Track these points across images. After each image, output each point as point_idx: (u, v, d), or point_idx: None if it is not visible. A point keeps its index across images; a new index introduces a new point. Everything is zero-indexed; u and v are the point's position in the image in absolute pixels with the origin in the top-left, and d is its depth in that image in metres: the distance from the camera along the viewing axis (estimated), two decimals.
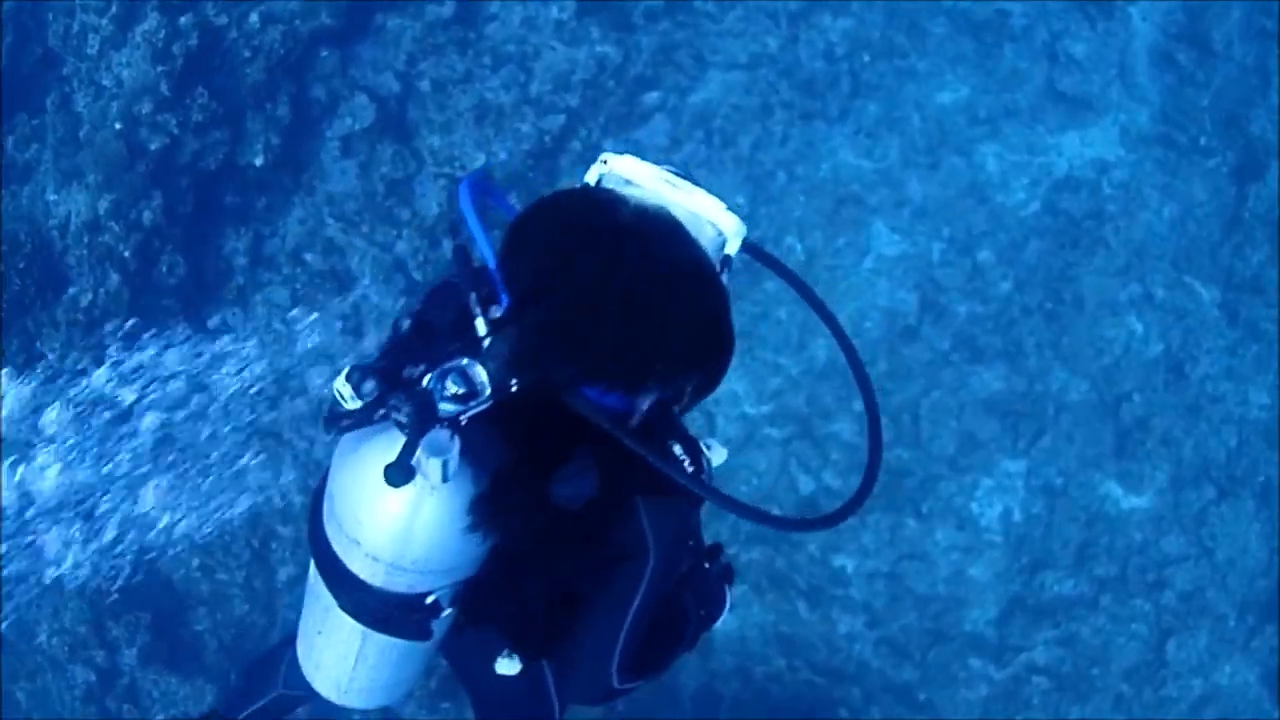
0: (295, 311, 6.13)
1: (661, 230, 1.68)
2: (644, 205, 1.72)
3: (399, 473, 1.60)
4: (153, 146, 5.78)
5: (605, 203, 1.71)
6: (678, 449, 1.93)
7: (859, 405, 6.60)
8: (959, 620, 6.49)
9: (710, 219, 1.82)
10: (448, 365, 1.61)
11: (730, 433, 6.83)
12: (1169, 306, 6.54)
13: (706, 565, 2.35)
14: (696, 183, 1.90)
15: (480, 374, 1.61)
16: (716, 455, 2.12)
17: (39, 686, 6.42)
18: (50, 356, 5.82)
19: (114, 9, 5.85)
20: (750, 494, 6.74)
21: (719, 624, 2.46)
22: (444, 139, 6.33)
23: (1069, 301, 6.67)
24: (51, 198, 6.08)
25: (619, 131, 6.76)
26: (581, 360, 1.65)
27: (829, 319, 2.25)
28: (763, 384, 6.90)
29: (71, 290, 5.83)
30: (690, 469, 1.91)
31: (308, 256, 6.23)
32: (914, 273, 6.90)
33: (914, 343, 6.80)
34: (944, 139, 7.03)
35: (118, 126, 5.71)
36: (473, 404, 1.62)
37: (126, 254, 5.81)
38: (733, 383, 6.97)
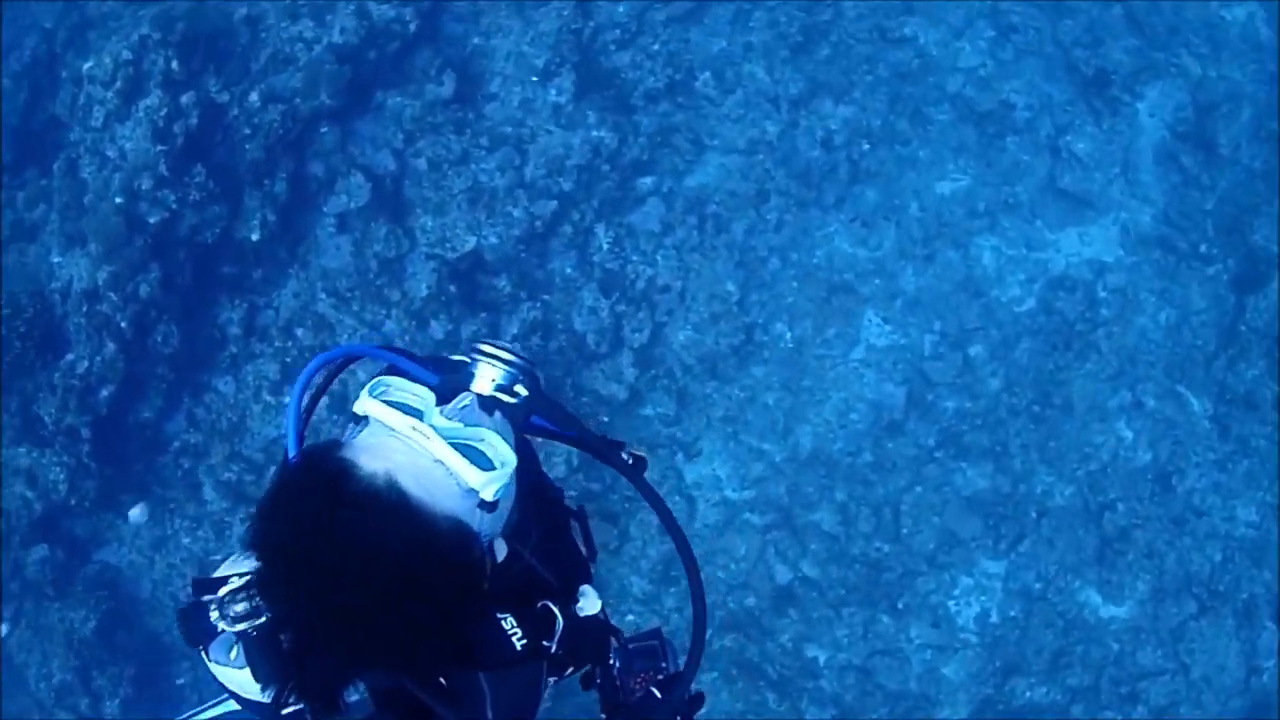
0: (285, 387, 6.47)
1: (385, 514, 1.69)
2: (370, 488, 1.70)
3: None
4: (152, 220, 6.15)
5: (330, 496, 1.70)
6: (509, 621, 2.00)
7: (841, 495, 6.91)
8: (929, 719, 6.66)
9: (457, 471, 1.79)
10: None
11: (710, 517, 7.06)
12: (1159, 416, 6.67)
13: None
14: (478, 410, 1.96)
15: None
16: (589, 604, 2.23)
17: None
18: (47, 420, 6.23)
19: (118, 83, 6.23)
20: (727, 580, 6.97)
21: None
22: (437, 220, 6.64)
23: (1058, 404, 6.82)
24: (56, 260, 6.49)
25: (612, 215, 7.03)
26: (353, 662, 1.76)
27: (655, 502, 2.40)
28: (746, 469, 7.13)
29: (69, 356, 6.22)
30: (523, 642, 1.99)
31: (299, 331, 6.57)
32: (903, 365, 7.09)
33: (899, 437, 6.99)
34: (941, 230, 7.22)
35: (118, 200, 6.09)
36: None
37: (123, 324, 6.18)
38: (715, 466, 7.21)
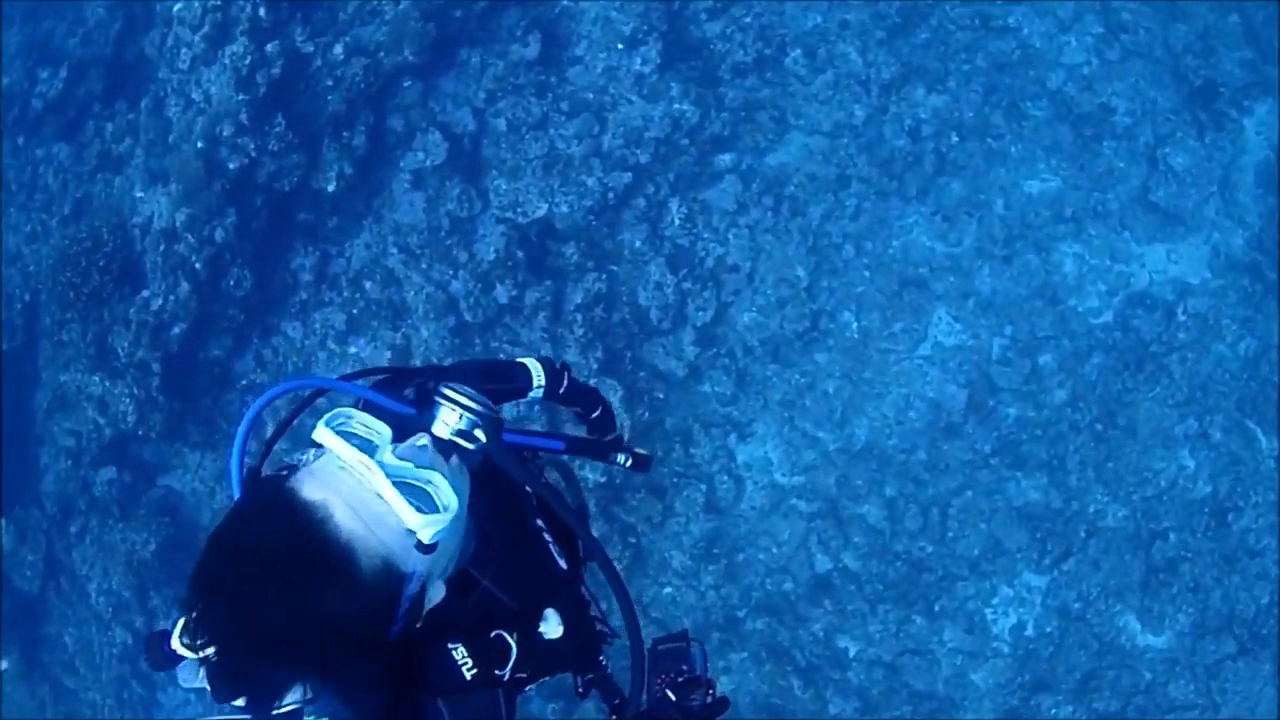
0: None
1: (310, 542, 1.76)
2: (304, 519, 1.78)
3: None
4: (231, 166, 6.31)
5: (266, 519, 1.78)
6: (460, 651, 2.08)
7: (891, 491, 6.97)
8: None
9: (396, 510, 1.85)
10: None
11: (757, 499, 7.17)
12: (1224, 449, 6.57)
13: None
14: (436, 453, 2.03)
15: None
16: (550, 628, 2.26)
17: (84, 636, 7.31)
18: (120, 352, 6.51)
19: (206, 28, 6.34)
20: (767, 563, 7.11)
21: None
22: (510, 184, 6.70)
23: (1122, 425, 6.75)
24: (139, 194, 6.71)
25: (687, 191, 7.02)
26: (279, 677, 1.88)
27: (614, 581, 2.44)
28: (797, 455, 7.20)
29: (145, 293, 6.47)
30: (473, 672, 2.08)
31: (367, 284, 6.73)
32: (969, 367, 7.04)
33: (956, 439, 6.99)
34: (1025, 231, 7.08)
35: (199, 145, 6.25)
36: None
37: (198, 265, 6.40)
38: (768, 449, 7.29)
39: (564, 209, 6.74)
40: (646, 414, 6.93)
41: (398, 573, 1.80)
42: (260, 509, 1.76)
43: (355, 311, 6.74)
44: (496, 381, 2.71)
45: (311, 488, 1.76)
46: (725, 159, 7.09)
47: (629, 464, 2.86)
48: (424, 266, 6.69)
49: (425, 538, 1.82)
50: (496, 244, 6.64)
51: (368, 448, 1.85)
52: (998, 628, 6.89)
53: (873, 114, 7.18)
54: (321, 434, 1.86)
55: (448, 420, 2.13)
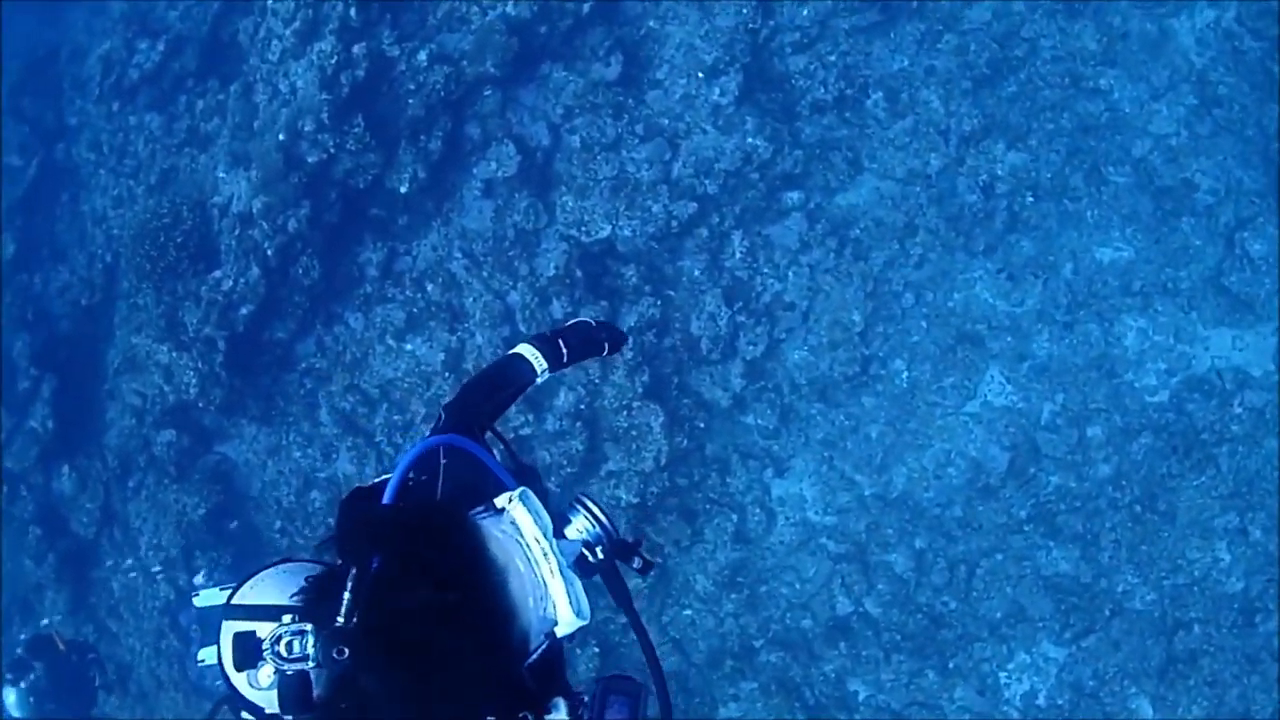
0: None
1: (482, 612, 1.94)
2: (483, 579, 1.96)
3: None
4: (310, 160, 6.56)
5: (452, 568, 1.95)
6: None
7: (921, 543, 7.05)
8: None
9: (554, 601, 2.01)
10: None
11: (786, 534, 7.31)
12: (1262, 549, 6.52)
13: None
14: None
15: None
16: (558, 716, 2.32)
17: (130, 585, 7.76)
18: (189, 327, 6.86)
19: (297, 23, 6.57)
20: (789, 597, 7.26)
21: None
22: (578, 201, 6.85)
23: (1162, 509, 6.73)
24: (221, 175, 7.01)
25: (751, 224, 7.11)
26: None
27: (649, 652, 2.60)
28: (832, 496, 7.31)
29: (217, 273, 6.79)
30: None
31: (429, 286, 6.96)
32: (1015, 430, 7.06)
33: (993, 500, 7.03)
34: (1090, 299, 7.04)
35: (281, 137, 6.50)
36: None
37: (270, 252, 6.69)
38: (803, 486, 7.41)
39: (627, 232, 6.88)
40: (685, 441, 7.09)
41: (526, 649, 1.98)
42: (443, 536, 1.95)
43: (415, 310, 6.98)
44: (504, 388, 2.87)
45: (496, 547, 1.96)
46: (793, 196, 7.15)
47: (640, 566, 3.04)
48: (485, 274, 6.90)
49: (560, 632, 2.00)
50: (557, 260, 6.81)
51: (546, 532, 2.05)
52: (1009, 692, 6.97)
53: (949, 164, 7.17)
54: (514, 506, 2.06)
55: (580, 527, 2.42)
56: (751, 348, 7.15)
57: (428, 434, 2.64)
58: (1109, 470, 6.91)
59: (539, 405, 6.87)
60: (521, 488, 2.14)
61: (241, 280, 6.72)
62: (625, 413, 6.92)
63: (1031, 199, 7.11)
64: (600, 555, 2.43)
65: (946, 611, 7.08)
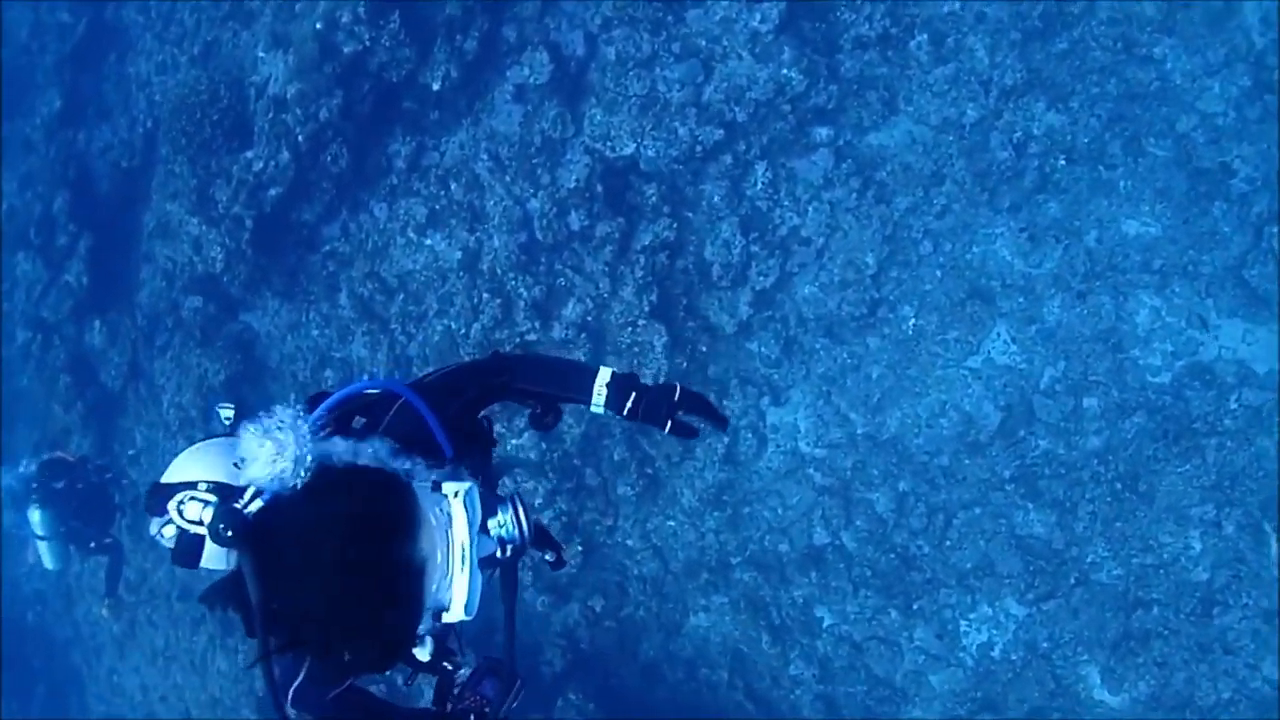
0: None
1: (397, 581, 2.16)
2: (402, 557, 2.17)
3: None
4: (345, 50, 6.64)
5: (376, 535, 2.15)
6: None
7: (904, 486, 7.24)
8: (897, 712, 7.27)
9: (454, 594, 2.24)
10: None
11: (775, 461, 7.53)
12: (1233, 544, 6.59)
13: None
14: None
15: None
16: (421, 653, 2.57)
17: (151, 438, 8.23)
18: (219, 203, 7.08)
19: None
20: (770, 521, 7.52)
21: None
22: (606, 116, 6.87)
23: (1142, 490, 6.80)
24: (260, 54, 7.12)
25: (777, 156, 7.08)
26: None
27: None
28: (825, 430, 7.47)
29: (249, 154, 6.97)
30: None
31: (453, 185, 7.09)
32: (1013, 390, 7.12)
33: (979, 456, 7.15)
34: (1109, 270, 6.97)
35: (318, 26, 6.57)
36: None
37: (301, 138, 6.85)
38: (798, 417, 7.57)
39: (651, 152, 6.91)
40: (685, 363, 7.25)
41: (412, 617, 2.20)
42: (373, 520, 2.12)
43: (437, 207, 7.13)
44: (556, 386, 2.90)
45: (425, 536, 2.17)
46: (823, 132, 7.09)
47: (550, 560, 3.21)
48: (508, 179, 7.00)
49: (446, 619, 2.26)
50: (580, 173, 6.88)
51: (473, 531, 2.27)
52: (967, 640, 7.23)
53: (985, 117, 7.03)
54: (455, 501, 2.27)
55: (502, 523, 2.54)
56: (762, 278, 7.22)
57: (457, 365, 2.82)
58: (1098, 443, 6.97)
59: (548, 313, 7.05)
60: (469, 485, 2.33)
61: (272, 163, 6.89)
62: (630, 329, 7.09)
63: (1064, 162, 6.97)
64: (508, 554, 2.59)
65: (919, 555, 7.30)
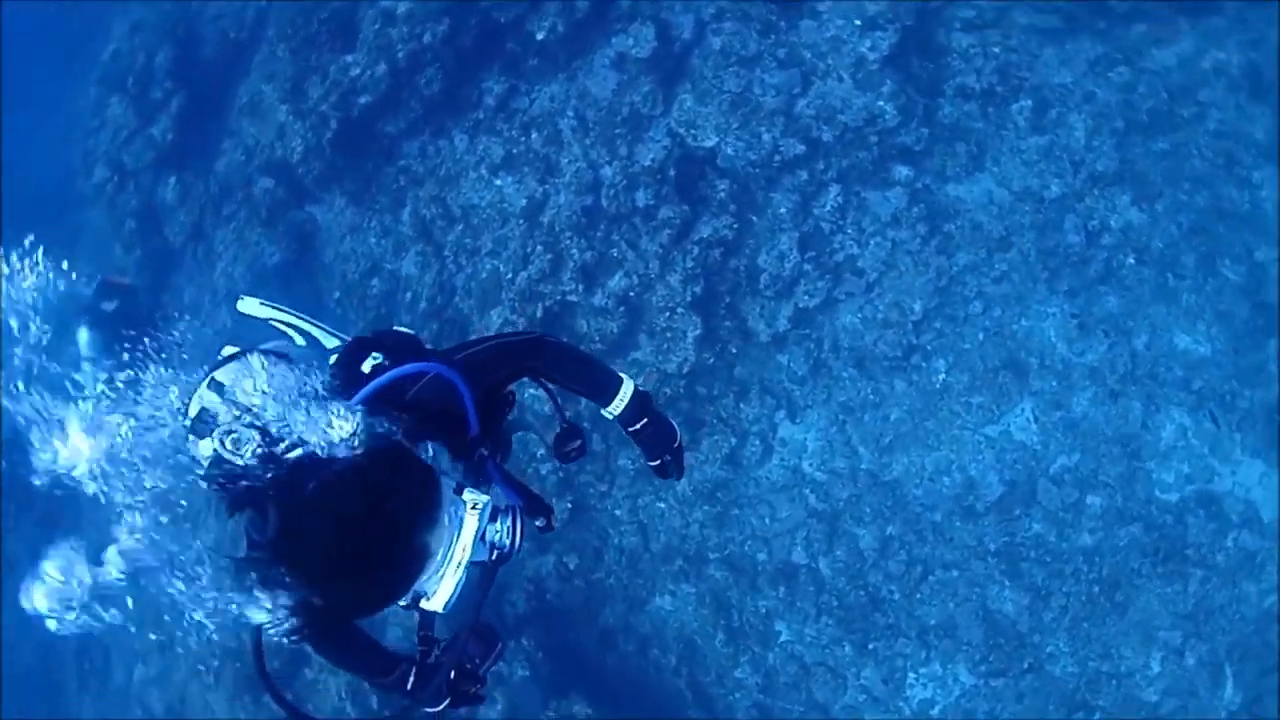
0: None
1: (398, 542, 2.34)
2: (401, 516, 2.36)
3: None
4: None
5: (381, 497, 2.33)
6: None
7: (892, 530, 7.32)
8: None
9: (440, 587, 2.46)
10: None
11: (775, 473, 7.63)
12: (1191, 679, 6.61)
13: None
14: None
15: None
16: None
17: (198, 299, 8.54)
18: (310, 98, 7.26)
19: None
20: (755, 527, 7.65)
21: None
22: (696, 104, 6.90)
23: (1118, 600, 6.83)
24: None
25: (852, 184, 7.07)
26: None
27: None
28: (831, 456, 7.55)
29: (349, 58, 7.12)
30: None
31: (534, 134, 7.19)
32: (1021, 468, 7.13)
33: (971, 522, 7.20)
34: (1148, 378, 6.91)
35: None
36: None
37: (400, 55, 6.98)
38: (809, 437, 7.65)
39: (730, 149, 6.94)
40: (713, 360, 7.35)
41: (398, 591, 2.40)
42: (403, 503, 2.32)
43: (515, 151, 7.24)
44: (582, 383, 3.10)
45: (436, 534, 2.36)
46: (904, 171, 7.05)
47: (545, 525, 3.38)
48: (588, 142, 7.08)
49: (424, 606, 2.47)
50: (657, 152, 6.94)
51: (477, 540, 2.47)
52: (911, 692, 7.35)
53: (1067, 196, 6.95)
54: (470, 514, 2.46)
55: (500, 530, 2.63)
56: (808, 297, 7.26)
57: (495, 341, 2.94)
58: (1089, 542, 6.97)
59: (594, 279, 7.17)
60: (486, 499, 2.51)
61: (369, 72, 7.04)
62: (668, 314, 7.19)
63: (1133, 260, 6.90)
64: (494, 558, 2.73)
65: (888, 599, 7.39)
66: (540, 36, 6.96)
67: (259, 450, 2.50)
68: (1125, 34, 6.82)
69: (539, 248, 7.08)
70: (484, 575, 2.74)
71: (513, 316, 7.05)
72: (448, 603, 2.50)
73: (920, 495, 7.37)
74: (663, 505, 7.89)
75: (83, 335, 6.57)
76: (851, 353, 7.41)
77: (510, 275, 7.09)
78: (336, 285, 7.84)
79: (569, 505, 7.85)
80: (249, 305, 3.62)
